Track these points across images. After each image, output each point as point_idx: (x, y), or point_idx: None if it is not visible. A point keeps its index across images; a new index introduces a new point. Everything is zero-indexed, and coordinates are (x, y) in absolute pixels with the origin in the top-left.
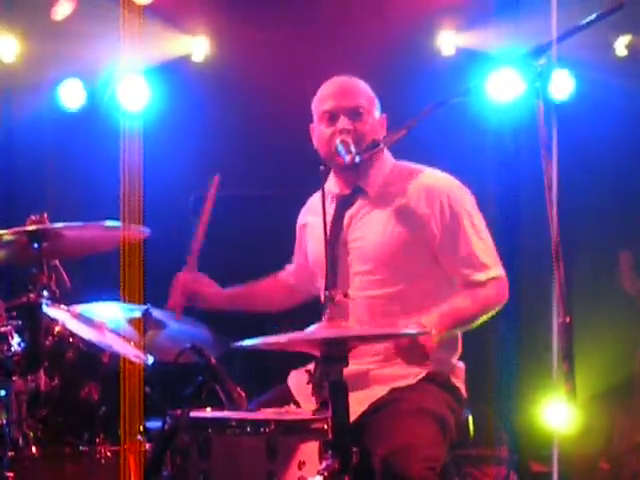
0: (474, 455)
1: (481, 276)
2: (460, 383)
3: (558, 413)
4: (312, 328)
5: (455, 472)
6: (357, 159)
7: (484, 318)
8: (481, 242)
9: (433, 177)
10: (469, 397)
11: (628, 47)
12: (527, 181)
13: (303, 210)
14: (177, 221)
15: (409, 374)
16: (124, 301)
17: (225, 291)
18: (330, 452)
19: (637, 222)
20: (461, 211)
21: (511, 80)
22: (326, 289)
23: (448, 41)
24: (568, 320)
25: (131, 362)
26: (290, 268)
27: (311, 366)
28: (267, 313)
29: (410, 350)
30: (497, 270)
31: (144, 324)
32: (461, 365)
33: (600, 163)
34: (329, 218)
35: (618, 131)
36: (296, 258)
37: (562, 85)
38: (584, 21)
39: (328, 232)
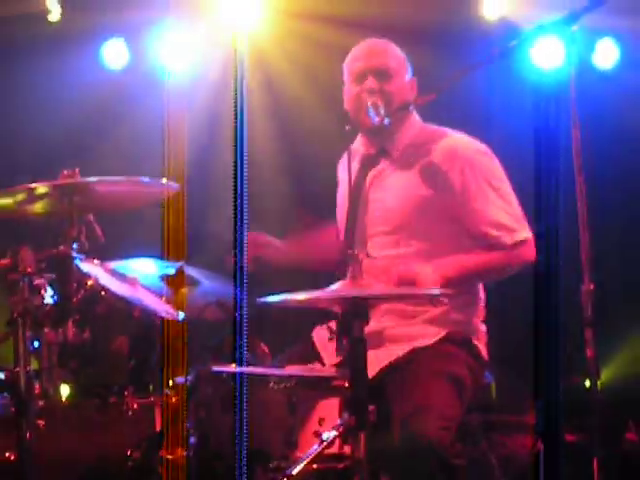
0: (502, 421)
1: (507, 239)
2: (481, 345)
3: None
4: (336, 286)
5: (483, 437)
6: (386, 122)
7: (503, 276)
8: (506, 205)
9: (458, 140)
10: (497, 361)
11: None
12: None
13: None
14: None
15: (427, 334)
16: (165, 257)
17: (284, 245)
18: (347, 409)
19: None
20: (483, 174)
21: (553, 47)
22: (347, 247)
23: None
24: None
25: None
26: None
27: (333, 323)
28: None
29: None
30: (523, 233)
31: (178, 281)
32: (483, 328)
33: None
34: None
35: None
36: None
37: (606, 54)
38: None
39: (350, 192)
